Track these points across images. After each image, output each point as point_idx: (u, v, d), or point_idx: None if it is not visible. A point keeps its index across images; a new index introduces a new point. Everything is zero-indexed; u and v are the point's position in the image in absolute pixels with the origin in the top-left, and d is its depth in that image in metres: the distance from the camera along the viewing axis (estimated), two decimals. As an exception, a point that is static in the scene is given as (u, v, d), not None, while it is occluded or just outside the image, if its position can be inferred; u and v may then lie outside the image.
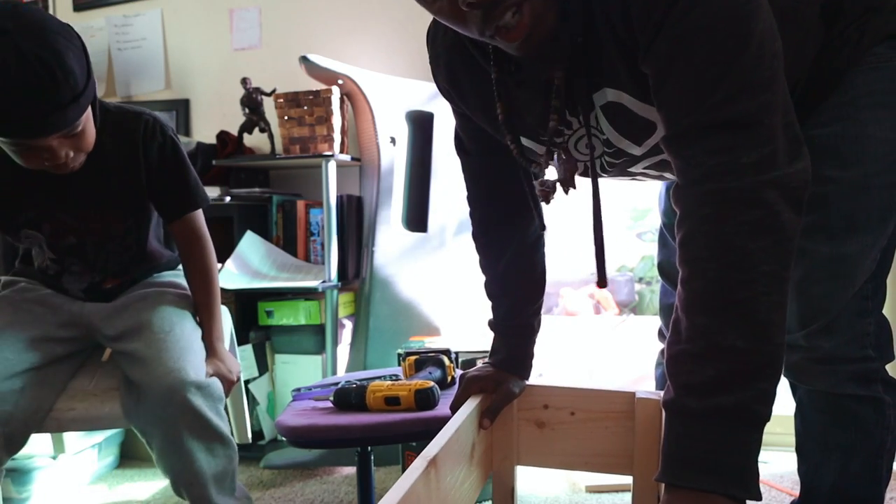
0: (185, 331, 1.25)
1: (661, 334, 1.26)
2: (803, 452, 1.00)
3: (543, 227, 1.02)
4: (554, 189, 0.89)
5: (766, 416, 0.61)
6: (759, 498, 0.59)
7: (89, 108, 1.13)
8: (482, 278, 1.12)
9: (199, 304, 1.32)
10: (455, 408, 0.98)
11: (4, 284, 1.33)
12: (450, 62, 0.94)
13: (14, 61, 0.95)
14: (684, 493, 0.60)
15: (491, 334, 1.10)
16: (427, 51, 0.99)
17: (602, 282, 0.83)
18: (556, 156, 0.87)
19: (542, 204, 0.93)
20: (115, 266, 1.32)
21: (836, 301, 0.87)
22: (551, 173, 0.91)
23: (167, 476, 1.19)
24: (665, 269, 1.23)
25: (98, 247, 1.28)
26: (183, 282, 1.37)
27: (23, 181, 1.19)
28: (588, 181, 0.84)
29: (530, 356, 1.08)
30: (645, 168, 0.92)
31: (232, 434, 1.24)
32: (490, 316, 1.10)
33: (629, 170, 0.94)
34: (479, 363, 1.12)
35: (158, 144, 1.25)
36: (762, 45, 0.64)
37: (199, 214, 1.33)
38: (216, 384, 1.20)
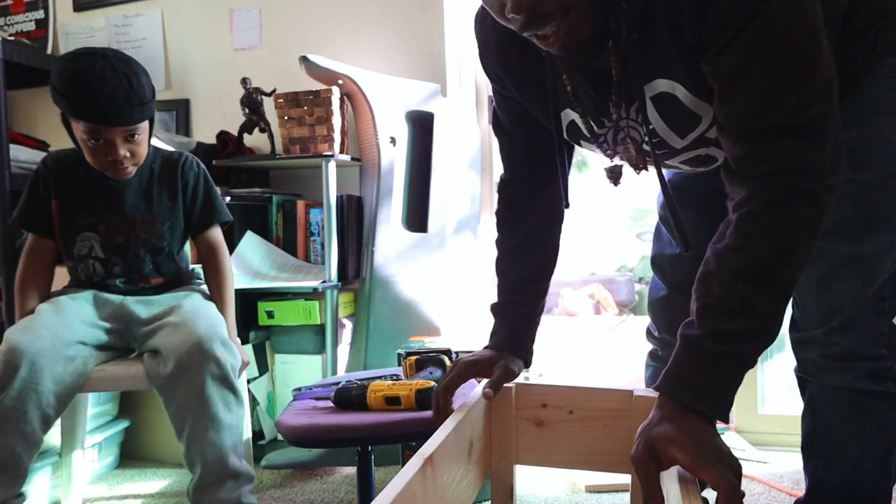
0: (211, 310, 1.56)
1: (649, 334, 1.26)
2: (813, 449, 1.00)
3: (567, 205, 1.04)
4: (621, 172, 0.95)
5: (755, 364, 0.77)
6: (728, 420, 0.76)
7: (147, 127, 1.55)
8: (492, 262, 1.12)
9: (217, 302, 1.63)
10: (444, 391, 0.98)
11: (55, 293, 1.61)
12: (502, 45, 0.96)
13: (110, 72, 1.44)
14: (682, 411, 0.74)
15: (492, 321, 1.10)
16: (475, 34, 1.03)
17: (686, 246, 0.94)
18: (619, 139, 0.95)
19: (612, 185, 0.98)
20: (150, 265, 1.63)
21: (856, 299, 0.90)
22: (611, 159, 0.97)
23: (182, 430, 1.41)
24: (658, 262, 1.23)
25: (139, 247, 1.61)
26: (205, 288, 1.69)
27: (88, 194, 1.59)
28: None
29: (531, 339, 1.08)
30: (680, 162, 0.98)
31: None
32: (493, 300, 1.11)
33: (667, 161, 0.99)
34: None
35: (194, 173, 1.68)
36: (828, 57, 0.73)
37: (219, 229, 1.70)
38: (236, 350, 1.49)
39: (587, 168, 3.76)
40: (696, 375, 0.75)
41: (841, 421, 0.95)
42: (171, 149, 1.73)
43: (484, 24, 0.99)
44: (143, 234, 1.61)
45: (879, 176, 0.87)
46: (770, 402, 2.09)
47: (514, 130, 1.08)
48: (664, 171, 1.17)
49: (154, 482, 1.96)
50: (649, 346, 1.28)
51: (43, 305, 1.52)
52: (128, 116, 1.47)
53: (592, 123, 0.95)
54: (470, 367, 1.01)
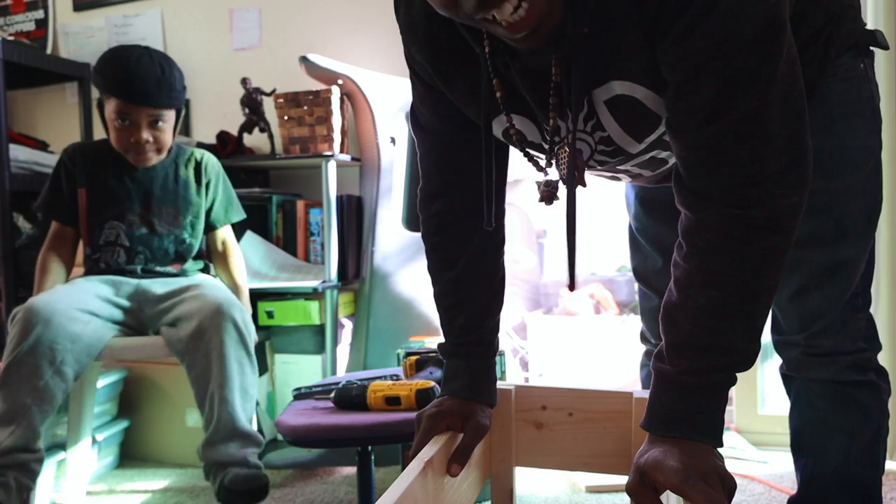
0: (224, 288, 1.70)
1: (643, 338, 1.25)
2: (803, 444, 1.01)
3: (491, 225, 0.85)
4: (557, 189, 0.84)
5: (736, 382, 0.75)
6: (722, 445, 0.72)
7: (173, 117, 1.70)
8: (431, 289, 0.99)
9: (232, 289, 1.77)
10: (416, 453, 0.80)
11: (73, 278, 1.73)
12: (430, 33, 0.82)
13: (146, 59, 1.63)
14: (671, 441, 0.71)
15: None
16: (396, 18, 0.86)
17: (572, 285, 0.84)
18: (557, 152, 0.84)
19: (545, 204, 0.86)
20: (172, 255, 1.76)
21: (835, 304, 0.91)
22: (551, 172, 0.87)
23: (203, 391, 1.51)
24: (642, 273, 1.19)
25: (163, 237, 1.74)
26: (219, 280, 1.82)
27: (113, 184, 1.72)
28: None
29: (493, 381, 0.95)
30: (631, 166, 0.91)
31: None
32: (442, 341, 0.97)
33: (618, 167, 0.92)
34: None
35: (215, 172, 1.83)
36: (794, 53, 0.68)
37: (230, 226, 1.87)
38: (251, 322, 1.61)
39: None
40: (680, 408, 0.72)
41: (828, 412, 0.96)
42: (191, 147, 1.87)
43: (410, 6, 0.84)
44: (168, 225, 1.74)
45: (847, 183, 0.87)
46: (770, 402, 2.09)
47: (440, 129, 0.91)
48: (632, 183, 1.10)
49: (154, 482, 1.96)
50: (644, 347, 1.28)
51: (61, 285, 1.65)
52: (155, 98, 1.62)
53: (529, 129, 0.86)
54: (439, 421, 0.87)
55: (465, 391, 0.91)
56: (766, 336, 0.84)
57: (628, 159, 0.88)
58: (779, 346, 0.99)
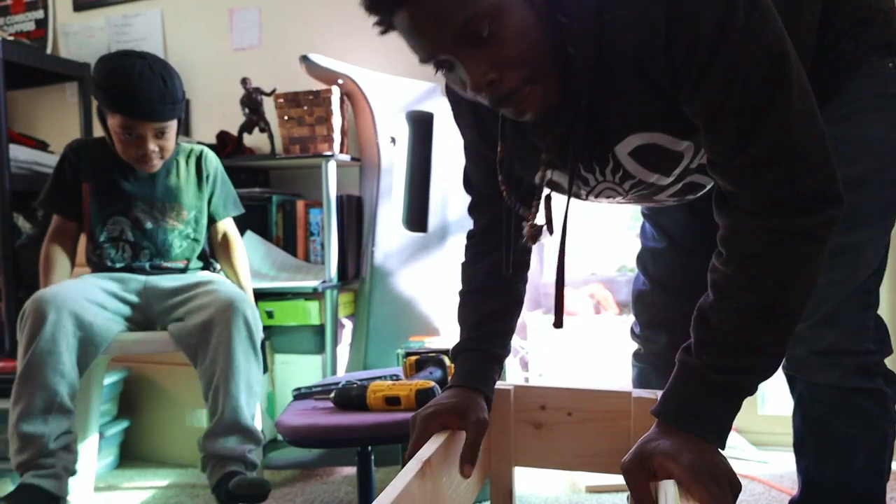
0: (237, 287, 1.74)
1: (632, 332, 1.25)
2: (804, 447, 1.00)
3: (509, 273, 0.95)
4: (541, 232, 0.91)
5: (755, 392, 0.77)
6: (724, 448, 0.74)
7: (176, 124, 1.69)
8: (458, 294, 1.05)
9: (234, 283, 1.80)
10: (412, 454, 0.79)
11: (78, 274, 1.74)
12: (474, 105, 0.91)
13: (147, 71, 1.60)
14: (682, 435, 0.72)
15: None
16: (446, 94, 1.00)
17: (559, 323, 0.90)
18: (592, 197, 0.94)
19: (530, 243, 0.93)
20: (177, 250, 1.78)
21: (837, 290, 0.90)
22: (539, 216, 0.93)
23: (210, 383, 1.55)
24: (641, 256, 1.21)
25: (167, 233, 1.76)
26: (223, 276, 1.86)
27: (119, 179, 1.73)
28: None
29: (491, 377, 0.97)
30: (668, 196, 0.96)
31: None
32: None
33: (654, 198, 0.98)
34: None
35: (214, 166, 1.84)
36: (802, 79, 0.71)
37: (231, 220, 1.88)
38: (260, 319, 1.64)
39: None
40: (697, 403, 0.74)
41: (831, 419, 0.95)
42: (191, 144, 1.88)
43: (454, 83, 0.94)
44: (172, 221, 1.76)
45: (861, 172, 0.87)
46: (770, 402, 2.09)
47: (483, 185, 1.01)
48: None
49: (154, 482, 1.96)
50: (634, 346, 1.28)
51: (66, 280, 1.67)
52: (160, 113, 1.61)
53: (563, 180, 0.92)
54: (433, 420, 0.87)
55: (462, 380, 0.94)
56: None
57: (661, 190, 0.93)
58: None
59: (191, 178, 1.80)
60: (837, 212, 0.72)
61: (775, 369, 0.75)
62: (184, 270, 1.79)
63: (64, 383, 1.50)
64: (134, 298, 1.70)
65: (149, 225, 1.74)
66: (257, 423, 1.57)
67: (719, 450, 0.72)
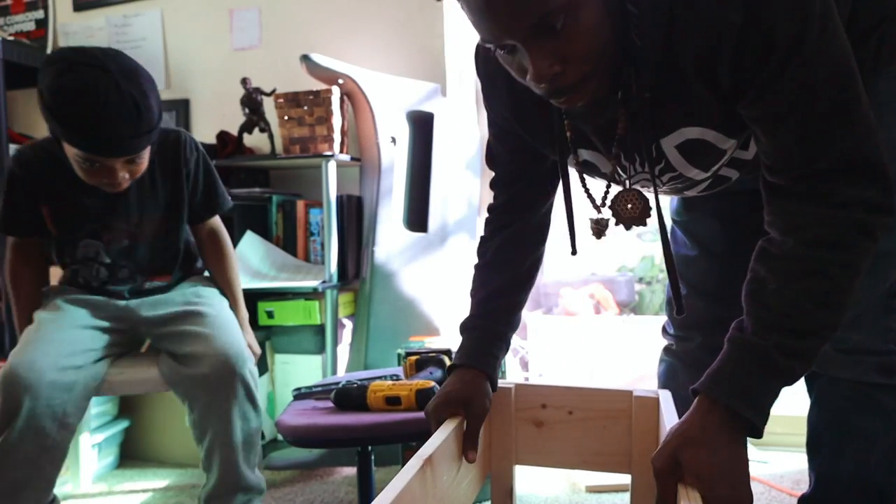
0: (227, 315, 1.50)
1: (664, 331, 1.26)
2: (820, 443, 1.00)
3: (576, 252, 0.98)
4: (607, 226, 0.93)
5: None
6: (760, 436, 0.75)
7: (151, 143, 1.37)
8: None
9: (224, 287, 1.60)
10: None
11: (52, 293, 1.50)
12: (511, 87, 0.92)
13: (113, 94, 1.22)
14: (723, 418, 0.73)
15: None
16: (476, 72, 1.00)
17: (680, 309, 0.95)
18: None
19: (595, 238, 0.95)
20: (158, 264, 1.53)
21: (868, 294, 0.91)
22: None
23: (202, 439, 1.38)
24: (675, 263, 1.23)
25: (146, 248, 1.50)
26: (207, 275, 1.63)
27: (83, 198, 1.42)
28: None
29: (495, 355, 1.00)
30: (699, 191, 0.98)
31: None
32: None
33: (685, 192, 0.99)
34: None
35: (195, 158, 1.52)
36: (865, 97, 0.73)
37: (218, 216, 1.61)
38: (254, 360, 1.45)
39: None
40: (751, 382, 0.73)
41: (849, 413, 0.96)
42: (167, 128, 1.50)
43: (489, 63, 0.94)
44: (150, 233, 1.49)
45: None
46: (770, 402, 2.09)
47: (509, 162, 1.05)
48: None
49: (154, 482, 1.96)
50: (664, 342, 1.29)
51: (42, 315, 1.42)
52: (133, 146, 1.29)
53: (602, 162, 0.94)
54: (444, 410, 0.92)
55: (464, 359, 0.98)
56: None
57: (694, 185, 0.95)
58: None
59: (167, 178, 1.49)
60: (892, 220, 0.75)
61: (816, 355, 0.75)
62: (167, 287, 1.55)
63: (48, 457, 1.30)
64: (113, 325, 1.46)
65: (125, 242, 1.47)
66: (259, 472, 1.43)
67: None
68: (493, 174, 1.08)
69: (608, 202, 0.92)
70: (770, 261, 0.77)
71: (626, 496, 1.72)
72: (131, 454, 2.13)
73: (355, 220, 2.12)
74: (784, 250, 0.76)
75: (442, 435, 0.84)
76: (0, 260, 1.61)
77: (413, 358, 1.33)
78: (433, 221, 2.06)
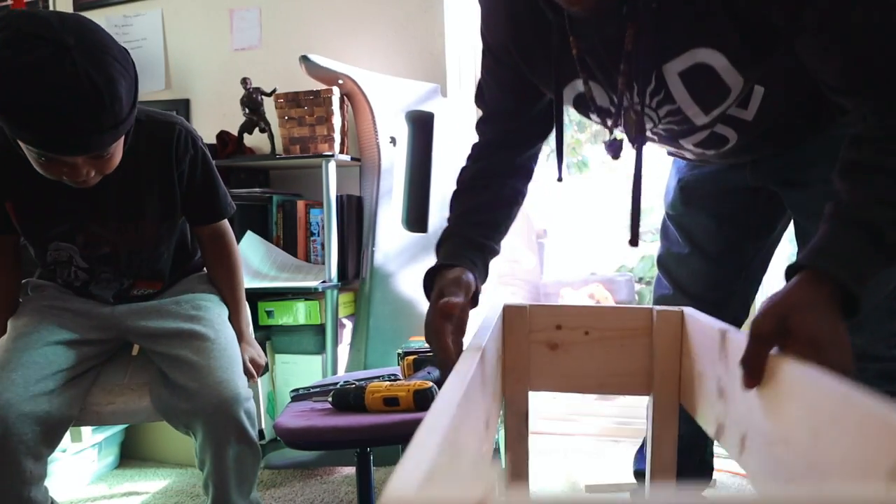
0: (228, 336, 1.30)
1: None
2: None
3: (561, 179, 0.97)
4: (622, 146, 0.91)
5: None
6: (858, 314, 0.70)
7: (124, 136, 1.13)
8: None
9: (226, 294, 1.41)
10: (449, 363, 0.83)
11: (32, 288, 1.34)
12: (513, 13, 0.91)
13: (68, 78, 0.94)
14: (830, 292, 0.68)
15: None
16: (479, 2, 0.98)
17: (635, 241, 0.89)
18: (623, 115, 0.91)
19: (612, 158, 0.94)
20: (147, 272, 1.33)
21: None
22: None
23: (202, 467, 1.25)
24: (664, 261, 1.22)
25: (132, 255, 1.29)
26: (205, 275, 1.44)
27: (54, 195, 1.18)
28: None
29: (470, 258, 0.95)
30: (693, 144, 0.95)
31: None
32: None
33: (680, 140, 0.96)
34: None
35: (191, 157, 1.26)
36: None
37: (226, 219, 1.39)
38: (252, 399, 1.26)
39: (587, 168, 3.76)
40: (862, 259, 0.69)
41: None
42: (161, 115, 1.27)
43: None
44: (135, 241, 1.27)
45: None
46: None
47: (500, 101, 1.03)
48: (674, 156, 1.17)
49: (154, 482, 1.96)
50: None
51: (15, 326, 1.26)
52: (93, 144, 1.04)
53: (600, 95, 0.92)
54: (445, 321, 0.93)
55: (444, 258, 0.95)
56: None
57: (692, 132, 0.92)
58: None
59: (154, 178, 1.25)
60: None
61: None
62: (157, 293, 1.37)
63: (27, 486, 1.15)
64: (98, 335, 1.29)
65: (105, 251, 1.26)
66: (255, 494, 1.30)
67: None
68: (480, 113, 1.07)
69: (620, 124, 0.90)
70: (864, 143, 0.73)
71: (625, 496, 1.72)
72: (131, 454, 2.13)
73: (355, 220, 2.12)
74: (875, 134, 0.72)
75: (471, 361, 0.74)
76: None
77: (411, 358, 1.33)
78: (433, 221, 2.06)
